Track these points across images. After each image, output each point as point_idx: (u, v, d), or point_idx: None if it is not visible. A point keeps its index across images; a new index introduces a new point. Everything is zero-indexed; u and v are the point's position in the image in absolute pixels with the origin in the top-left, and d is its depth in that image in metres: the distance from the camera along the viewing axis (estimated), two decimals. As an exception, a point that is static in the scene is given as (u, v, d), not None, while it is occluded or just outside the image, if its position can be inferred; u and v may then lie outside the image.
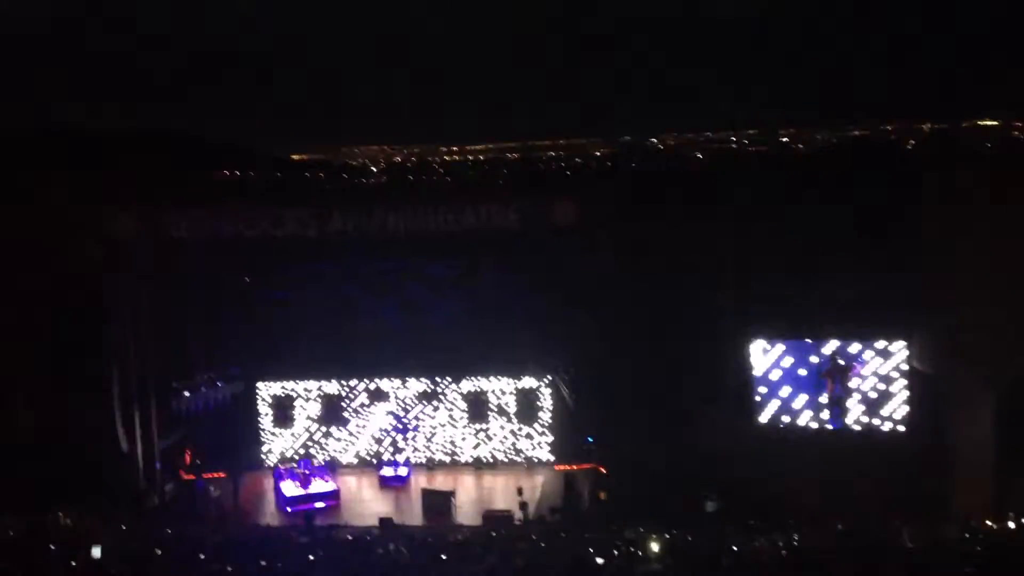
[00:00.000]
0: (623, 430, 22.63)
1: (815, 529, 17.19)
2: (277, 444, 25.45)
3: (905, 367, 21.35)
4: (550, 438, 24.95)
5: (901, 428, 21.41)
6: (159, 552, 15.88)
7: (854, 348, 21.61)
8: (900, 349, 21.38)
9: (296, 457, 25.09)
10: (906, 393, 21.36)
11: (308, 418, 25.41)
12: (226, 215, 22.89)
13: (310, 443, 25.42)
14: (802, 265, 21.76)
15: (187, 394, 24.53)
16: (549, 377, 24.82)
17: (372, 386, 25.25)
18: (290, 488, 23.27)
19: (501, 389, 24.99)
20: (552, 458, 24.90)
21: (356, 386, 25.30)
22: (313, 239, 22.60)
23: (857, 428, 21.74)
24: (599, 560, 14.97)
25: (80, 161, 26.22)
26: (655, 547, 15.34)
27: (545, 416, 24.94)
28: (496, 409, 25.08)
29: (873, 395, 21.61)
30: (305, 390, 25.34)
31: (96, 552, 15.45)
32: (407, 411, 25.19)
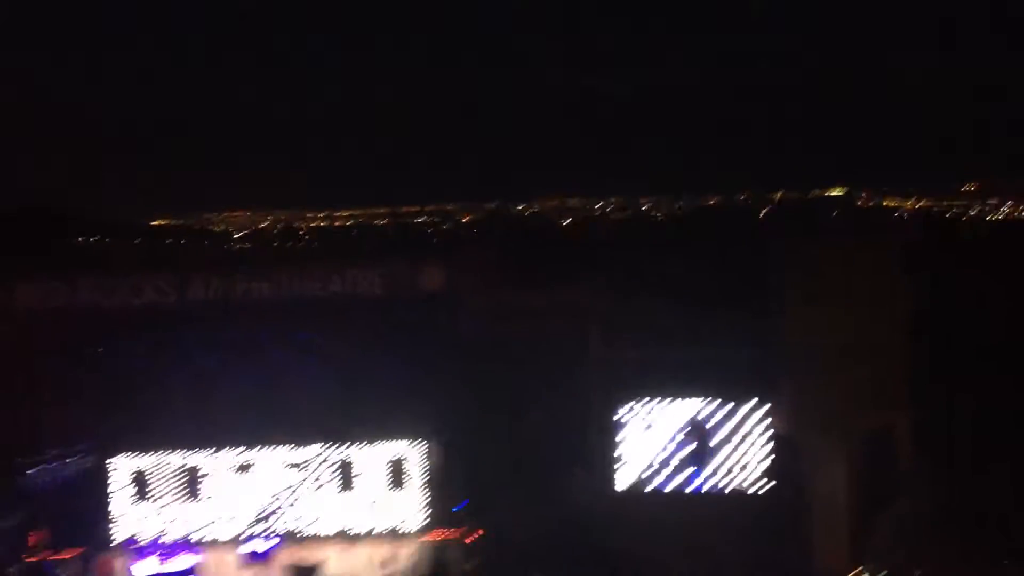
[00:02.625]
0: (491, 497, 22.53)
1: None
2: (131, 521, 24.25)
3: (764, 428, 22.00)
4: (417, 507, 24.53)
5: (761, 488, 21.97)
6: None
7: (714, 409, 22.18)
8: (759, 410, 22.04)
9: (152, 534, 23.98)
10: (765, 453, 21.99)
11: (164, 493, 24.34)
12: (81, 284, 22.12)
13: (167, 519, 24.32)
14: (665, 329, 22.31)
15: (33, 471, 23.26)
16: (417, 444, 24.49)
17: (235, 457, 24.42)
18: (145, 567, 22.23)
19: (369, 457, 24.51)
20: (420, 527, 24.48)
21: (218, 458, 24.42)
22: (173, 307, 21.99)
23: (719, 488, 22.21)
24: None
25: None
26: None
27: (413, 484, 24.53)
28: (363, 477, 24.55)
29: (734, 455, 22.15)
30: (163, 464, 24.28)
31: None
32: (271, 482, 24.43)
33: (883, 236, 27.57)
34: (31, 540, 22.97)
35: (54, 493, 23.52)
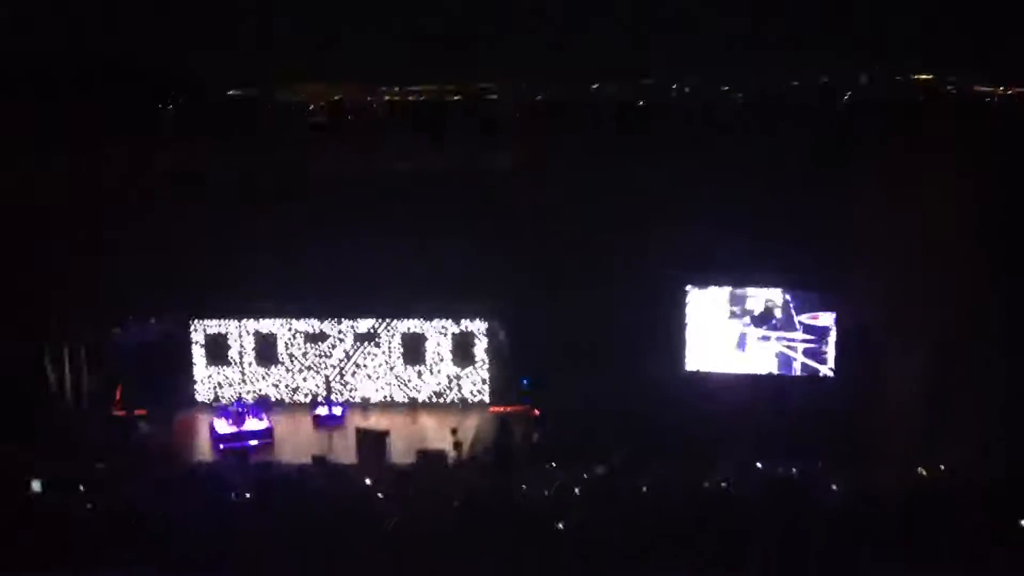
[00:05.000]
0: (557, 374, 22.88)
1: (744, 473, 17.58)
2: (210, 382, 25.25)
3: (835, 316, 21.89)
4: (485, 380, 25.09)
5: (830, 375, 21.98)
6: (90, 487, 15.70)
7: (786, 296, 22.10)
8: (826, 300, 21.91)
9: (229, 396, 24.95)
10: (837, 341, 21.89)
11: (242, 357, 25.20)
12: (161, 149, 22.46)
13: (244, 382, 25.25)
14: (735, 215, 22.08)
15: (118, 330, 24.16)
16: (485, 319, 24.90)
17: (308, 326, 25.12)
18: (223, 426, 23.17)
19: (438, 330, 25.03)
20: (487, 400, 25.09)
21: (292, 325, 25.15)
22: (249, 176, 22.28)
23: (788, 375, 22.27)
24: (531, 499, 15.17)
25: (17, 93, 25.22)
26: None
27: (481, 358, 25.05)
28: (432, 350, 25.11)
29: (804, 343, 22.13)
30: (240, 329, 25.10)
31: (36, 486, 15.30)
32: (343, 350, 25.13)
33: (970, 126, 26.40)
34: (116, 396, 24.03)
35: (137, 353, 24.43)
